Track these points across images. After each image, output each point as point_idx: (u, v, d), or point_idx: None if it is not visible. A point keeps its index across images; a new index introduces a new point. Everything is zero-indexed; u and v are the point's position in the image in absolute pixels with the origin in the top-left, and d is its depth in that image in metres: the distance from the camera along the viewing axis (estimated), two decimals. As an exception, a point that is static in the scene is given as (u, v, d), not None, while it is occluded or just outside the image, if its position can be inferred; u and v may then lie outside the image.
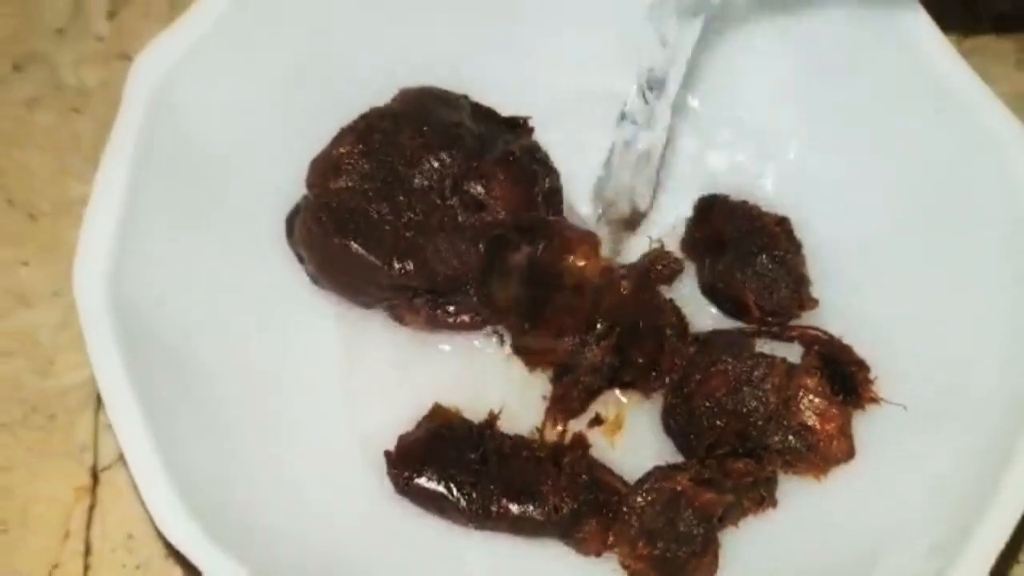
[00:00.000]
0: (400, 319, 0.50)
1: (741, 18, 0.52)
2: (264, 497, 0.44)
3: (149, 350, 0.43)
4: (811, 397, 0.47)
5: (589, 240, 0.49)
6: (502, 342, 0.50)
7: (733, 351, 0.48)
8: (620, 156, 0.50)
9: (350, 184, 0.48)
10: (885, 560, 0.44)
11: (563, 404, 0.49)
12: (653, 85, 0.47)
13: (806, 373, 0.48)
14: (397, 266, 0.47)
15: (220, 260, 0.48)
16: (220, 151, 0.48)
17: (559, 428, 0.49)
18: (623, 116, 0.49)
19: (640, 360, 0.48)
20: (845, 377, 0.48)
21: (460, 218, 0.49)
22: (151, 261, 0.45)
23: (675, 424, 0.48)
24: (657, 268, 0.51)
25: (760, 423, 0.47)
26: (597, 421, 0.50)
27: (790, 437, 0.47)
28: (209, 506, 0.41)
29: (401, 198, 0.48)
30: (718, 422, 0.47)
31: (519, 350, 0.49)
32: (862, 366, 0.49)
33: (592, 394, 0.49)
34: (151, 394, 0.42)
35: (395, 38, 0.52)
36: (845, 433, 0.47)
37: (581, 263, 0.49)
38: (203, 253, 0.47)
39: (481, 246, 0.48)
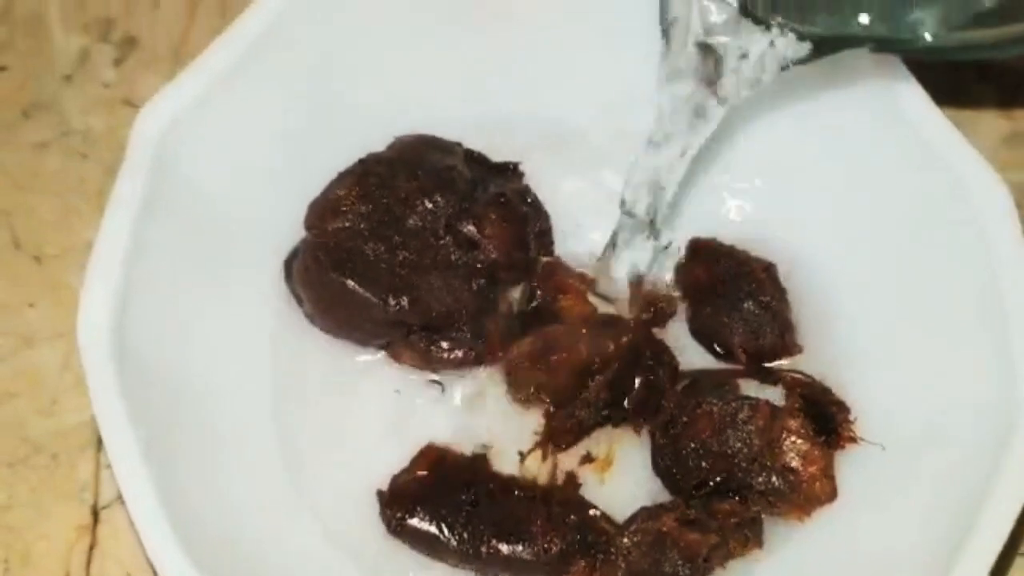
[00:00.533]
0: (396, 357, 0.51)
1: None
2: (263, 540, 0.45)
3: (151, 396, 0.44)
4: (794, 439, 0.48)
5: (581, 282, 0.52)
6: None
7: (719, 393, 0.49)
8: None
9: (346, 224, 0.50)
10: None
11: (555, 438, 0.49)
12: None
13: (789, 415, 0.48)
14: (392, 302, 0.49)
15: (222, 307, 0.49)
16: (222, 200, 0.49)
17: (549, 463, 0.50)
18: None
19: (631, 400, 0.49)
20: (826, 418, 0.49)
21: (453, 257, 0.50)
22: (154, 308, 0.45)
23: (663, 464, 0.49)
24: (651, 310, 0.52)
25: (744, 464, 0.48)
26: (588, 459, 0.50)
27: (773, 478, 0.47)
28: (208, 549, 0.41)
29: (396, 238, 0.50)
30: (704, 463, 0.48)
31: (513, 385, 0.50)
32: (842, 407, 0.49)
33: (585, 430, 0.50)
34: (152, 441, 0.42)
35: (393, 88, 0.54)
36: (827, 474, 0.48)
37: (572, 303, 0.51)
38: (206, 300, 0.48)
39: (475, 284, 0.50)
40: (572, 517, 0.48)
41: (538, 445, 0.50)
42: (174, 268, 0.46)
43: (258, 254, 0.51)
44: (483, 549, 0.47)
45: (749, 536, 0.47)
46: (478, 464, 0.49)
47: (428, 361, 0.51)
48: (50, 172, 0.60)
